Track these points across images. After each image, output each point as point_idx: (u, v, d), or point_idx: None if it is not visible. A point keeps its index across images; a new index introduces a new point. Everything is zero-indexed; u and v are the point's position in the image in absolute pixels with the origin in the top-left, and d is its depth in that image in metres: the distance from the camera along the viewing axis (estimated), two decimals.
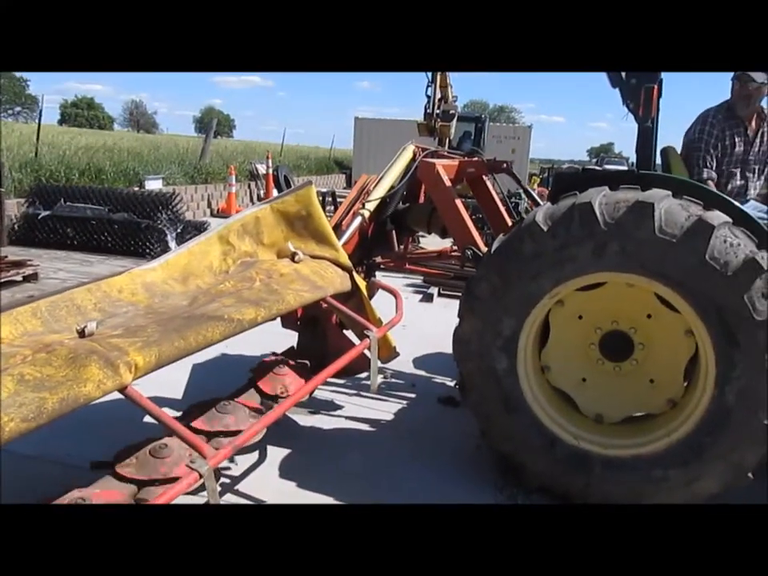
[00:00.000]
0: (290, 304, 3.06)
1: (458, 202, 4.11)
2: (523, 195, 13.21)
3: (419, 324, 6.26)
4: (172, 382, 4.23)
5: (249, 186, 17.01)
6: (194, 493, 2.57)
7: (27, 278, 6.56)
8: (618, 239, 2.99)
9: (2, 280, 6.21)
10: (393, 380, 4.91)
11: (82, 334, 2.40)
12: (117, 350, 2.28)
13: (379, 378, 4.70)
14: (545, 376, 3.47)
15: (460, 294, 7.75)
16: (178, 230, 8.73)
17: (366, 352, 3.75)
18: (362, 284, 3.74)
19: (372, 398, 4.59)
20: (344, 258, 3.65)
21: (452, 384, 4.91)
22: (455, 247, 4.51)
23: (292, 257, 3.45)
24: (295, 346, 4.12)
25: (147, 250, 8.32)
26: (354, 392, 4.66)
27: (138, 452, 2.73)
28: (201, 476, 2.11)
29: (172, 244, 8.25)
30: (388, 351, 3.74)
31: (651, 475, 3.14)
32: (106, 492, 2.51)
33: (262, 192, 16.52)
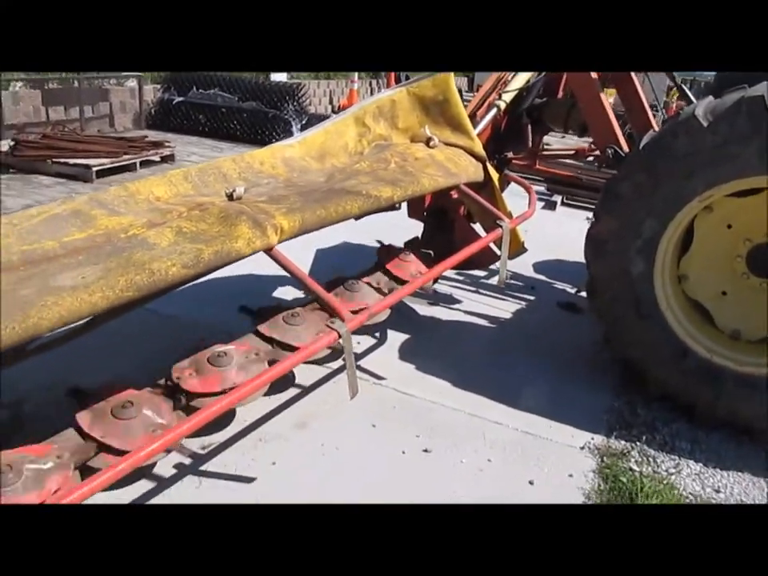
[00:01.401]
0: (425, 187, 3.03)
1: (603, 96, 3.85)
2: (660, 108, 12.28)
3: (541, 230, 6.08)
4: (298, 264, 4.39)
5: (370, 84, 16.77)
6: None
7: (164, 159, 6.90)
8: None
9: (143, 158, 6.56)
10: (512, 281, 4.85)
11: (230, 197, 2.50)
12: (264, 213, 2.36)
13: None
14: (681, 285, 3.30)
15: (584, 204, 7.46)
16: (303, 122, 8.81)
17: (493, 246, 3.71)
18: (494, 176, 3.64)
19: (491, 296, 4.57)
20: (479, 148, 3.55)
21: (572, 291, 4.80)
22: (593, 147, 4.28)
23: (427, 142, 3.39)
24: (420, 236, 4.13)
25: (273, 140, 8.48)
26: (474, 289, 4.65)
27: (276, 315, 2.88)
28: (339, 336, 2.20)
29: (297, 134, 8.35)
30: (517, 245, 3.67)
31: None
32: (244, 346, 2.68)
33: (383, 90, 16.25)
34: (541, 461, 2.80)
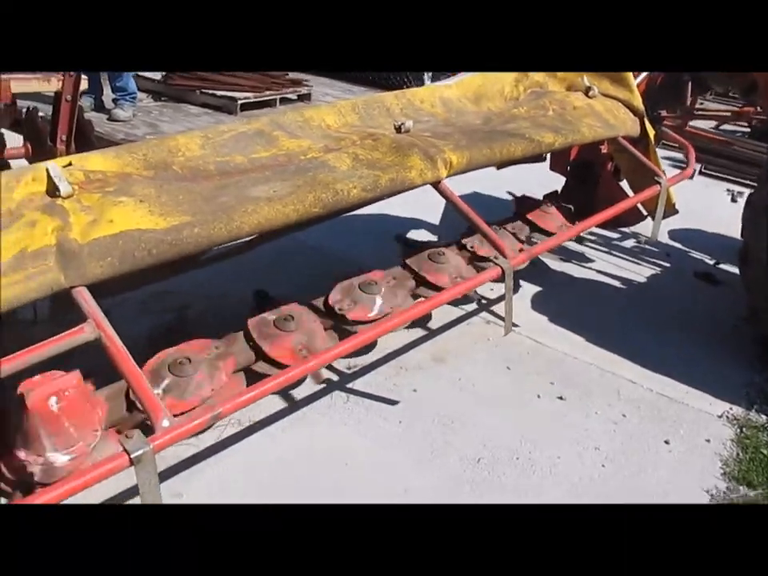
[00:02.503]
0: (585, 136, 2.98)
1: None
2: None
3: (679, 198, 5.81)
4: (430, 208, 4.47)
5: None
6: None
7: (301, 98, 7.05)
8: None
9: (282, 95, 6.75)
10: (647, 246, 4.70)
11: (398, 130, 2.57)
12: (434, 147, 2.42)
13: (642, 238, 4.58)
14: None
15: (724, 176, 7.02)
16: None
17: (639, 206, 3.63)
18: (650, 132, 3.51)
19: (623, 258, 4.46)
20: (638, 102, 3.43)
21: (711, 262, 4.60)
22: (758, 108, 4.02)
23: (586, 91, 3.32)
24: (559, 190, 4.07)
25: (404, 86, 8.47)
26: (606, 249, 4.55)
27: (421, 253, 2.97)
28: (503, 272, 2.26)
29: (427, 82, 8.30)
30: (669, 206, 3.56)
31: None
32: (393, 277, 2.80)
33: None
34: (676, 423, 2.77)
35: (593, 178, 3.87)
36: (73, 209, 1.78)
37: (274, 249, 3.04)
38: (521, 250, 2.57)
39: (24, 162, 3.37)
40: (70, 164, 1.96)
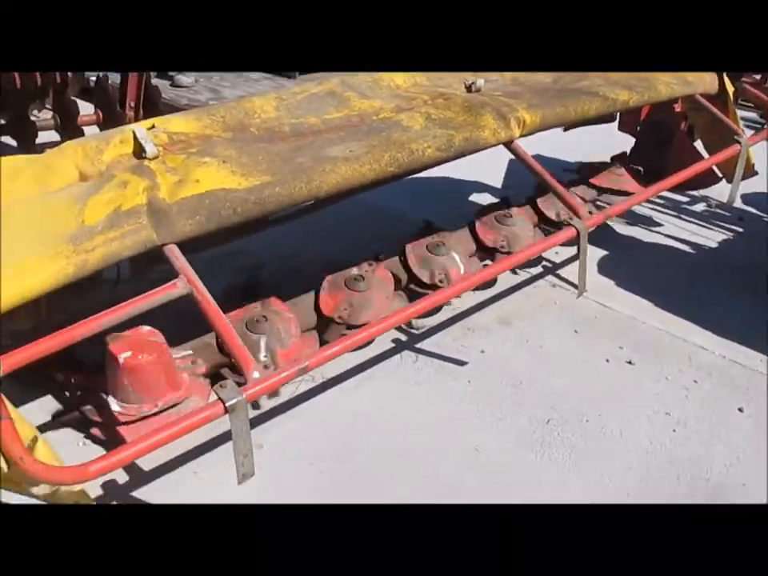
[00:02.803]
0: (661, 93, 2.90)
1: None
2: None
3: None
4: (498, 168, 4.43)
5: None
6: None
7: None
8: None
9: None
10: (718, 210, 4.54)
11: (469, 89, 2.55)
12: (506, 106, 2.39)
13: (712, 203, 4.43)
14: None
15: None
16: None
17: (715, 168, 3.50)
18: (730, 89, 3.37)
19: (693, 221, 4.32)
20: None
21: None
22: None
23: None
24: (628, 151, 3.97)
25: None
26: (674, 213, 4.42)
27: (489, 214, 2.96)
28: (578, 233, 2.23)
29: None
30: (748, 168, 3.43)
31: None
32: (462, 238, 2.81)
33: None
34: (750, 391, 2.70)
35: (665, 138, 3.75)
36: (159, 170, 1.85)
37: (341, 210, 3.07)
38: (590, 213, 2.52)
39: (95, 128, 3.48)
40: (153, 126, 2.02)
